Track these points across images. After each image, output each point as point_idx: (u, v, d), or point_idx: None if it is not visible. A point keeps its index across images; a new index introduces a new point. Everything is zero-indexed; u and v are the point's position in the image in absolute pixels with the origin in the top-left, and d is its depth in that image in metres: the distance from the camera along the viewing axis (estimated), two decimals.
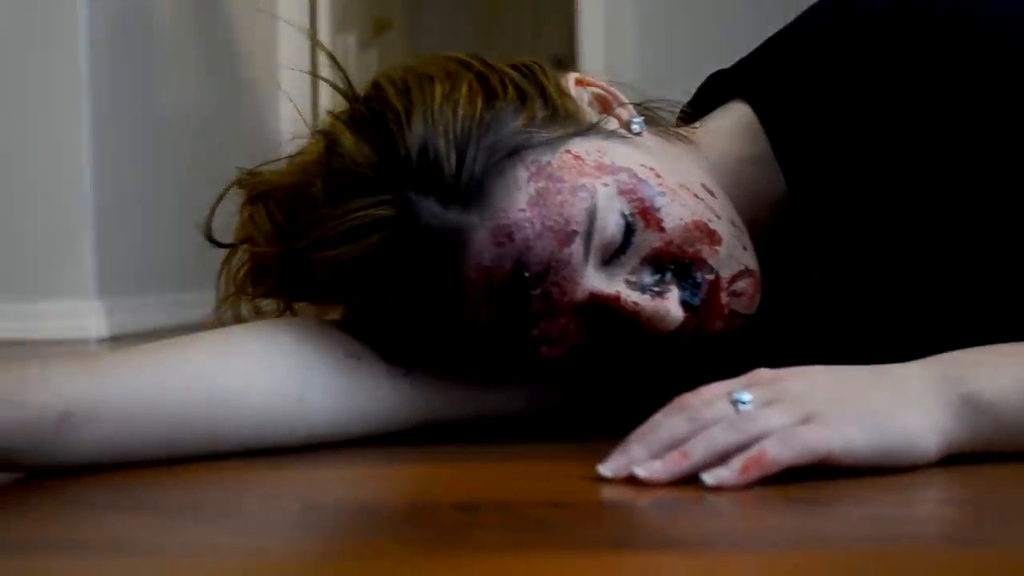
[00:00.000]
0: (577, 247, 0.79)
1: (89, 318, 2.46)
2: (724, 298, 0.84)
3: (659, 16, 3.57)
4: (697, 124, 0.93)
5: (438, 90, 0.82)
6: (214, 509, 0.68)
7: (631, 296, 0.81)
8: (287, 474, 0.78)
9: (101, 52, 2.54)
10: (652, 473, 0.68)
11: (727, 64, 0.95)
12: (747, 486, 0.66)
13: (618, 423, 0.92)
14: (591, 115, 0.86)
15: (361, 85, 0.88)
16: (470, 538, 0.59)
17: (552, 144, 0.81)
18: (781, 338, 0.91)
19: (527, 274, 0.79)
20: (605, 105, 0.88)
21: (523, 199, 0.79)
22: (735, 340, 0.87)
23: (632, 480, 0.69)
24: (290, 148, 0.97)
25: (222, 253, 0.92)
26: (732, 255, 0.84)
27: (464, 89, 0.82)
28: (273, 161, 0.95)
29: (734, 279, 0.84)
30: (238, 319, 0.95)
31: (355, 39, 4.31)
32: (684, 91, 0.98)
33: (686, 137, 0.90)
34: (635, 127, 0.87)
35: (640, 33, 3.64)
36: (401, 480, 0.78)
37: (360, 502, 0.72)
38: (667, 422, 0.71)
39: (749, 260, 0.85)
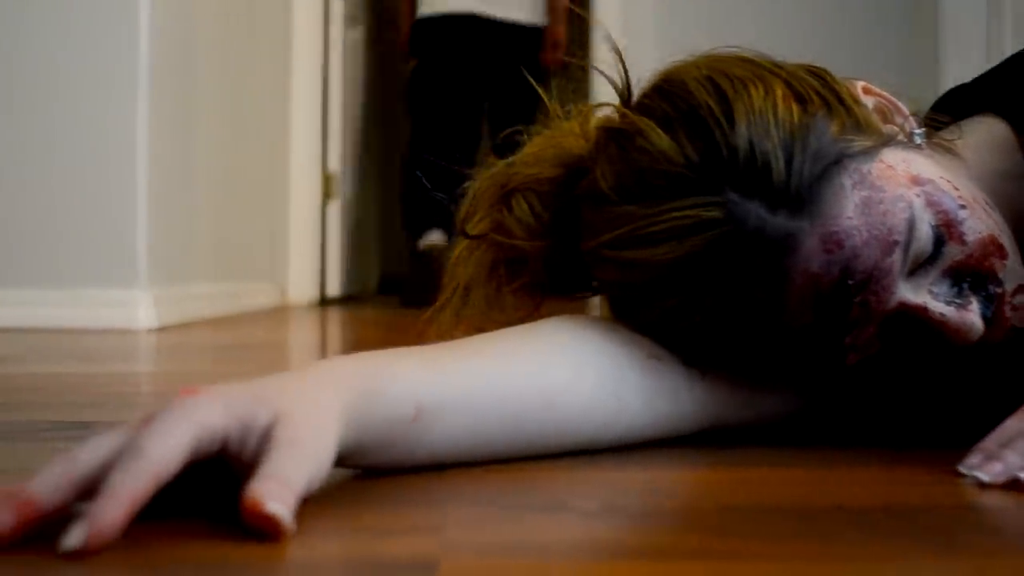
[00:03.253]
0: (897, 257, 0.80)
1: (139, 308, 2.41)
2: (1008, 311, 0.85)
3: None
4: (954, 137, 0.94)
5: (754, 92, 0.82)
6: (622, 511, 0.66)
7: (938, 307, 0.82)
8: (614, 476, 0.77)
9: (159, 41, 2.51)
10: None
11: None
12: None
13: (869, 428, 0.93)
14: (879, 124, 0.87)
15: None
16: (831, 544, 0.59)
17: (870, 153, 0.82)
18: None
19: (851, 282, 0.80)
20: (886, 115, 0.89)
21: (850, 207, 0.79)
22: (997, 351, 0.88)
23: (1007, 487, 0.70)
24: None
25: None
26: (1015, 269, 0.85)
27: (779, 93, 0.82)
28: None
29: (1015, 293, 0.85)
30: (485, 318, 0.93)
31: (362, 34, 4.28)
32: None
33: (953, 151, 0.91)
34: (916, 139, 0.88)
35: (656, 16, 3.67)
36: (727, 484, 0.77)
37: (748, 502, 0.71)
38: None
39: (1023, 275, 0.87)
